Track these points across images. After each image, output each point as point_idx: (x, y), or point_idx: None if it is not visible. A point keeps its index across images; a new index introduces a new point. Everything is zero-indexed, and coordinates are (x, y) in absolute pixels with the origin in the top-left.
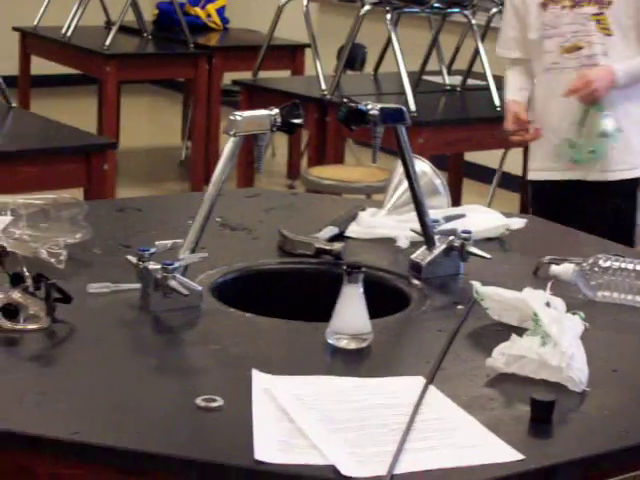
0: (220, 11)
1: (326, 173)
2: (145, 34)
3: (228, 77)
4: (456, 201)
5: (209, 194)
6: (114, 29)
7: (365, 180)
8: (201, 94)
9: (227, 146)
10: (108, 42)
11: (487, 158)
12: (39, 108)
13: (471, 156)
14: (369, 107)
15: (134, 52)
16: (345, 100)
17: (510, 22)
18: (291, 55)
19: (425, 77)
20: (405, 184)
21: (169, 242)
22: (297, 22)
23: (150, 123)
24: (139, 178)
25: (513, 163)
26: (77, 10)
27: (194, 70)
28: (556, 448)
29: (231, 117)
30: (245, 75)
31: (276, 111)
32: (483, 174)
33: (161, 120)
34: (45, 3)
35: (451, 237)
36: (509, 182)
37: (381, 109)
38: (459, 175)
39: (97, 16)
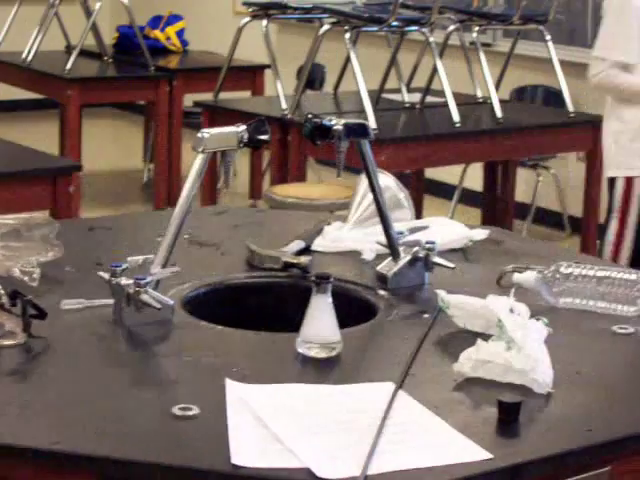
0: (179, 34)
1: (289, 191)
2: (106, 57)
3: (189, 99)
4: (417, 217)
5: (179, 210)
6: (75, 53)
7: (328, 197)
8: (163, 116)
9: (195, 163)
10: (69, 66)
11: (447, 174)
12: (1, 132)
13: (431, 173)
14: (333, 122)
15: (95, 75)
16: (310, 116)
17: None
18: (251, 76)
19: (384, 95)
20: (369, 198)
21: (140, 258)
22: (256, 43)
23: (112, 146)
24: (103, 201)
25: (473, 179)
26: (37, 35)
27: (155, 92)
28: (523, 447)
29: (199, 134)
30: (206, 96)
31: (243, 128)
32: (443, 190)
33: (123, 143)
34: (5, 28)
35: (416, 248)
36: (470, 198)
37: (345, 124)
38: (420, 192)
39: (57, 40)
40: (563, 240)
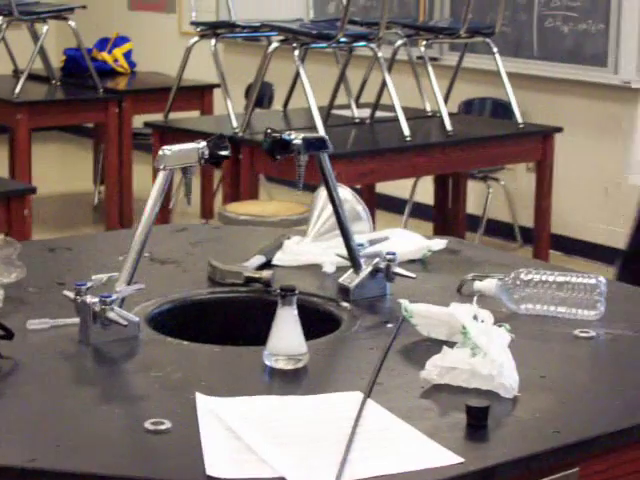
0: (127, 55)
1: (242, 209)
2: (53, 81)
3: (137, 120)
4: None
5: (142, 228)
6: (23, 77)
7: (281, 214)
8: (112, 138)
9: (157, 180)
10: (17, 90)
11: (398, 189)
12: None
13: (382, 187)
14: (292, 137)
15: (44, 99)
16: (269, 131)
17: None
18: (200, 95)
19: (334, 111)
20: (327, 211)
21: (105, 276)
22: (203, 63)
23: (61, 169)
24: (54, 224)
25: (424, 192)
26: None
27: (104, 114)
28: (493, 450)
29: (160, 152)
30: (155, 117)
31: (203, 144)
32: (395, 205)
33: (72, 166)
34: None
35: (376, 259)
36: (421, 211)
37: (304, 138)
38: (372, 206)
39: (3, 65)
40: (515, 251)
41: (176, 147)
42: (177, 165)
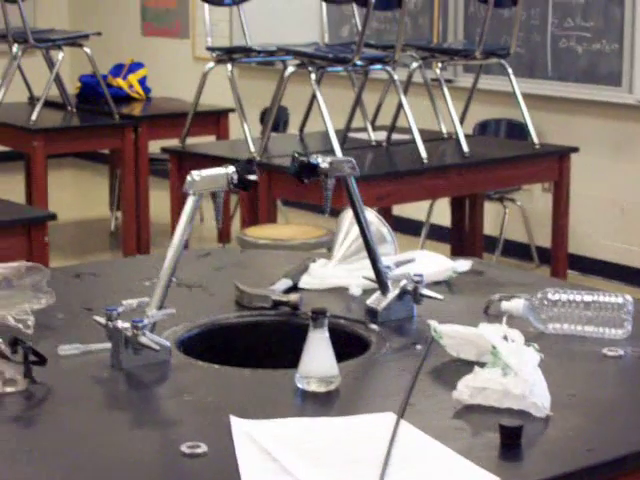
0: (142, 81)
1: (261, 233)
2: (69, 108)
3: (153, 146)
4: None
5: (172, 253)
6: (39, 104)
7: (300, 237)
8: (129, 164)
9: (187, 205)
10: (34, 117)
11: (414, 211)
12: None
13: (399, 209)
14: (320, 160)
15: (60, 126)
16: (296, 155)
17: None
18: (215, 120)
19: (350, 134)
20: (352, 234)
21: (135, 301)
22: (217, 87)
23: (77, 196)
24: (71, 250)
25: (440, 214)
26: (0, 87)
27: (121, 140)
28: (528, 470)
29: (189, 177)
30: (170, 142)
31: (232, 169)
32: (411, 227)
33: (88, 192)
34: None
35: (404, 281)
36: (438, 233)
37: (331, 161)
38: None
39: (18, 92)
40: (532, 271)
41: (205, 172)
42: (206, 190)
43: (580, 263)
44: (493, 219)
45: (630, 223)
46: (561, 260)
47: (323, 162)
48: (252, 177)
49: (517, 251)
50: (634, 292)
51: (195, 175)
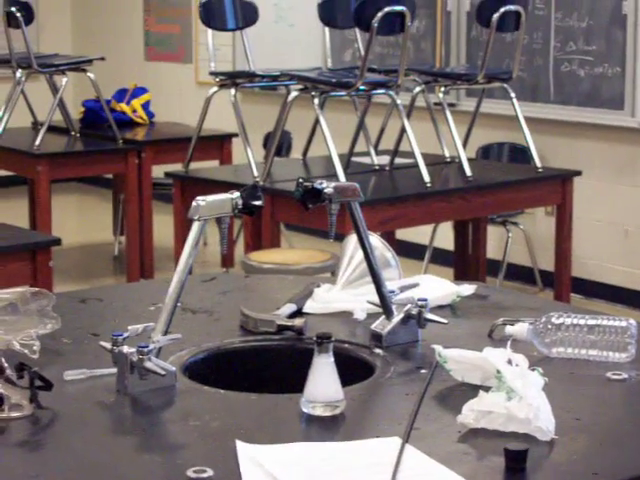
0: (145, 106)
1: (265, 257)
2: (73, 132)
3: (156, 170)
4: None
5: (177, 278)
6: (43, 129)
7: (304, 261)
8: (132, 188)
9: (192, 231)
10: (38, 142)
11: (417, 235)
12: None
13: (401, 234)
14: (324, 185)
15: (65, 151)
16: (300, 180)
17: None
18: (219, 145)
19: (353, 158)
20: (356, 259)
21: (140, 327)
22: (220, 112)
23: (81, 220)
24: (75, 275)
25: (443, 238)
26: (4, 112)
27: (124, 165)
28: None
29: (194, 203)
30: (174, 167)
31: (237, 194)
32: (415, 251)
33: (91, 217)
34: None
35: (408, 306)
36: (441, 257)
37: (335, 187)
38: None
39: (21, 117)
40: (536, 295)
41: (210, 198)
42: (211, 215)
43: (584, 286)
44: (496, 243)
45: (633, 246)
46: (564, 283)
47: (327, 187)
48: (257, 202)
49: (520, 275)
50: (638, 315)
51: (200, 201)
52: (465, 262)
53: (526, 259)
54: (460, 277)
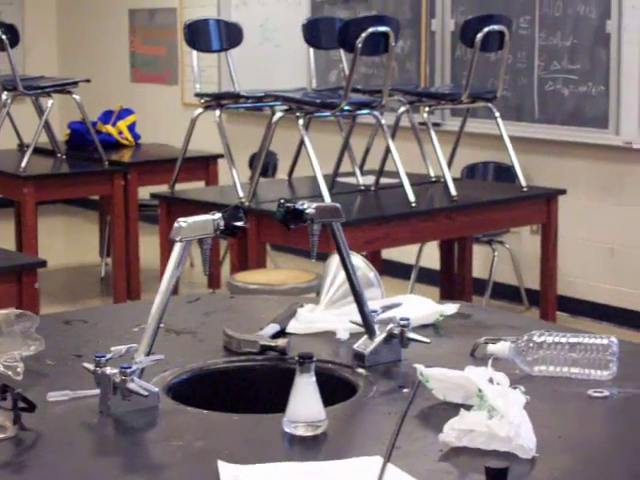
0: (131, 127)
1: (251, 278)
2: (59, 154)
3: (142, 192)
4: None
5: (160, 299)
6: (29, 151)
7: (289, 282)
8: (119, 210)
9: (174, 252)
10: (24, 164)
11: (403, 254)
12: None
13: (387, 253)
14: (305, 206)
15: (51, 173)
16: (282, 201)
17: None
18: (204, 166)
19: (338, 179)
20: (339, 279)
21: (123, 348)
22: (205, 133)
23: (67, 242)
24: (61, 296)
25: (429, 257)
26: None
27: (110, 187)
28: None
29: (176, 224)
30: (160, 188)
31: (218, 215)
32: (400, 270)
33: (78, 238)
34: None
35: (390, 325)
36: (427, 276)
37: (317, 207)
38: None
39: (8, 139)
40: (522, 313)
41: (191, 219)
42: (193, 237)
43: (570, 305)
44: (482, 262)
45: (619, 264)
46: (550, 302)
47: (309, 208)
48: (239, 223)
49: (506, 293)
50: (623, 333)
51: (182, 222)
52: (451, 281)
53: (512, 278)
54: (446, 296)
